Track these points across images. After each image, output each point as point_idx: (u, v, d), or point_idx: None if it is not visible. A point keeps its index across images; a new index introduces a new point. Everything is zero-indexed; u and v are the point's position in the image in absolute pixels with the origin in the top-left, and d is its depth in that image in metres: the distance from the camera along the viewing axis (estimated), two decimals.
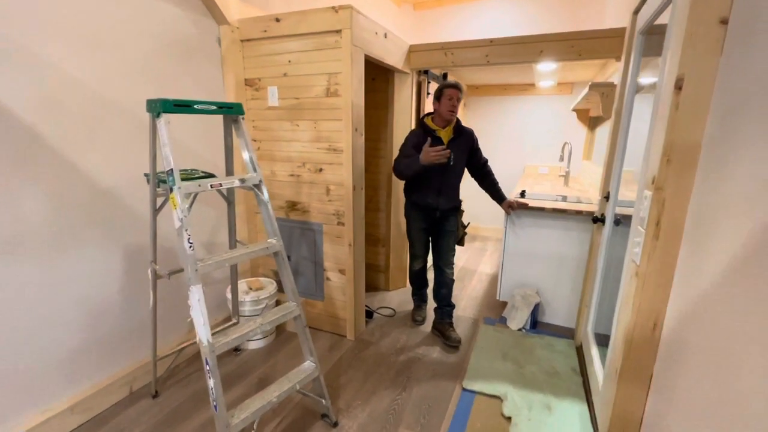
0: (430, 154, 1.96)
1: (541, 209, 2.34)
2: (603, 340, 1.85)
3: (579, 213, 2.25)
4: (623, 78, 1.89)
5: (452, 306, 2.39)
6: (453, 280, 2.36)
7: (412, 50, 2.67)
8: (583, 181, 3.37)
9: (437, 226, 2.32)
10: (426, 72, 2.93)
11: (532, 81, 4.03)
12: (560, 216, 2.34)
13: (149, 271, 1.53)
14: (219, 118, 2.13)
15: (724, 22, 0.97)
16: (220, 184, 1.37)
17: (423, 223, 2.33)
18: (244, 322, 2.14)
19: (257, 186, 1.50)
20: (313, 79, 2.07)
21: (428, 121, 2.21)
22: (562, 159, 3.59)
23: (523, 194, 2.71)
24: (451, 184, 2.25)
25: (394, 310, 2.71)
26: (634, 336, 1.21)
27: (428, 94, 3.07)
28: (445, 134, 2.19)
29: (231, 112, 1.46)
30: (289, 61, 2.11)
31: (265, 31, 2.11)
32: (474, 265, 3.66)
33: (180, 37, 1.91)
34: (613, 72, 2.73)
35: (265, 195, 1.51)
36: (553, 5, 3.84)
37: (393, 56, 2.45)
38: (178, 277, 1.84)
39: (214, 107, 1.39)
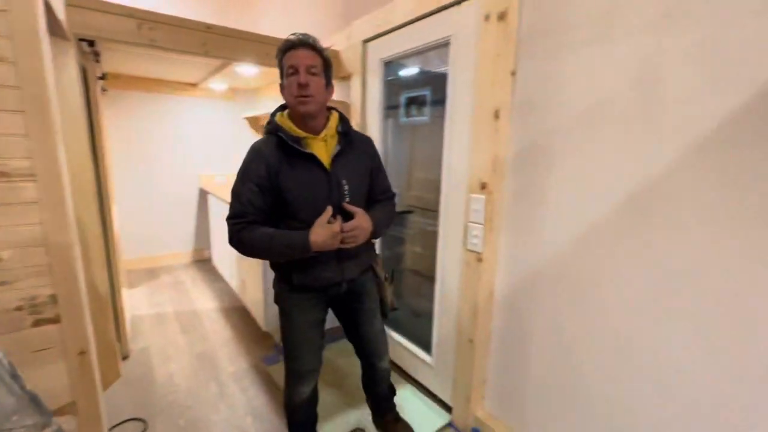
0: (336, 237, 1.09)
1: None
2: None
3: None
4: (363, 94, 2.15)
5: (395, 392, 1.63)
6: (389, 370, 1.54)
7: (72, 3, 1.63)
8: None
9: (346, 308, 1.38)
10: (92, 44, 1.89)
11: (194, 80, 3.55)
12: None
13: None
14: None
15: (513, 73, 1.38)
16: None
17: (317, 314, 1.30)
18: None
19: None
20: None
21: (283, 120, 1.19)
22: None
23: None
24: None
25: None
26: (479, 306, 1.53)
27: (103, 91, 2.00)
28: (322, 146, 1.18)
29: None
30: None
31: None
32: (187, 307, 2.90)
33: None
34: None
35: None
36: None
37: None
38: None
39: None
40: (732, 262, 0.92)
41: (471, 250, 1.53)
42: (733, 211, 0.91)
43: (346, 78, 2.35)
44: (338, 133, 1.22)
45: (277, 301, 1.30)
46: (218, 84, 3.48)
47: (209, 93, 3.77)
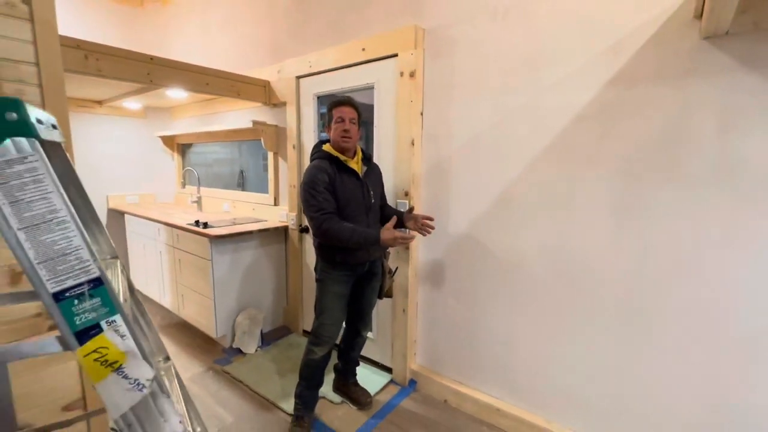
0: (397, 240, 1.53)
1: (249, 232, 2.50)
2: None
3: (277, 229, 2.67)
4: (298, 121, 2.53)
5: (359, 363, 2.10)
6: (365, 340, 2.04)
7: None
8: (208, 204, 3.52)
9: (361, 283, 1.82)
10: None
11: (102, 98, 3.43)
12: (257, 235, 2.62)
13: None
14: None
15: (422, 114, 1.95)
16: None
17: (344, 287, 1.75)
18: None
19: None
20: None
21: (330, 149, 1.69)
22: (184, 186, 3.50)
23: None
24: (377, 226, 1.77)
25: None
26: (410, 282, 2.05)
27: None
28: (357, 166, 1.72)
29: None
30: None
31: None
32: None
33: None
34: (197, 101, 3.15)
35: None
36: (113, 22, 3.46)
37: None
38: None
39: None
40: (543, 222, 1.61)
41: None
42: (543, 201, 1.60)
43: (278, 105, 2.70)
44: (363, 159, 1.77)
45: (319, 276, 1.77)
46: (134, 103, 3.43)
47: (117, 111, 3.65)
